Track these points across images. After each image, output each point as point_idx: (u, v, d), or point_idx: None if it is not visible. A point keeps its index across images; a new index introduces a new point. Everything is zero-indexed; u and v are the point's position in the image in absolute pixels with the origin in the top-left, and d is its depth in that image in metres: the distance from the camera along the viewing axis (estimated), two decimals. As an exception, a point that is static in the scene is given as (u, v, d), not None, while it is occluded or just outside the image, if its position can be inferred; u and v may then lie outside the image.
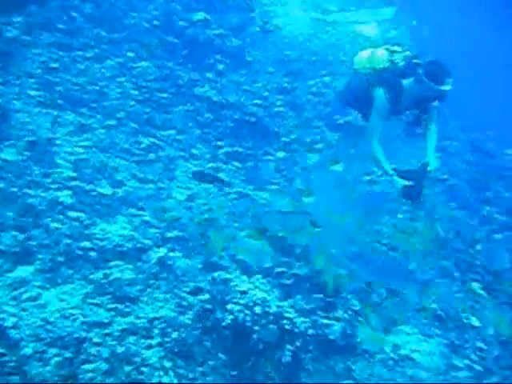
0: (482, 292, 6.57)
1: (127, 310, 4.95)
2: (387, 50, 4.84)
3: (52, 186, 5.92)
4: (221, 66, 8.96)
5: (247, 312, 4.62)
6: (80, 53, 7.72)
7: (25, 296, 4.68)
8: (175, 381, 4.42)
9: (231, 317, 4.66)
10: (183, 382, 4.44)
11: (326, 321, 5.30)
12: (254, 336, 4.55)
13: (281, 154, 8.24)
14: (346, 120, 9.16)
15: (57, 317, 4.60)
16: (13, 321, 4.32)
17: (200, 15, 9.22)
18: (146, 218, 6.25)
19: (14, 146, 6.08)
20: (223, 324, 4.62)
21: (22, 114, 6.50)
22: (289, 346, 4.61)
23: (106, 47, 8.10)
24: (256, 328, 4.56)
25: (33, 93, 6.83)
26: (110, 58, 7.99)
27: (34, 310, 4.56)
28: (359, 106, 5.27)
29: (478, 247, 7.37)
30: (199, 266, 5.77)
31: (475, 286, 6.62)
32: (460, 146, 9.97)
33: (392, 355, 5.66)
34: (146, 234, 5.98)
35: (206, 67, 8.83)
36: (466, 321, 6.17)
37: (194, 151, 7.61)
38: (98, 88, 7.46)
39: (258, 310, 4.66)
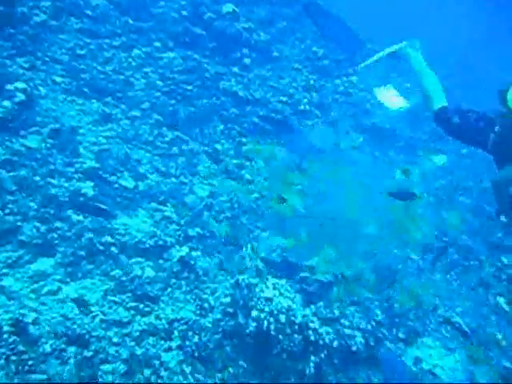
0: (507, 307, 6.39)
1: (147, 309, 4.84)
2: None
3: (75, 176, 5.80)
4: (247, 61, 8.79)
5: (272, 320, 4.48)
6: (107, 40, 7.58)
7: (45, 290, 4.57)
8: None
9: (254, 323, 4.52)
10: (202, 387, 4.32)
11: (348, 331, 5.14)
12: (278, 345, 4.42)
13: (305, 154, 8.08)
14: (372, 122, 9.01)
15: (76, 313, 4.49)
16: (33, 316, 4.21)
17: (228, 7, 9.02)
18: (167, 214, 6.13)
19: (38, 133, 5.96)
20: (247, 331, 4.48)
21: (47, 100, 6.38)
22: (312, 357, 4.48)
23: (133, 36, 7.95)
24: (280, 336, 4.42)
25: (59, 79, 6.71)
26: (137, 47, 7.85)
27: (53, 305, 4.45)
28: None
29: (505, 260, 7.16)
30: (220, 266, 5.66)
31: (501, 300, 6.44)
32: None
33: (414, 369, 5.50)
34: (168, 230, 5.86)
35: (232, 61, 8.66)
36: (490, 337, 5.99)
37: (218, 146, 7.46)
38: (123, 77, 7.33)
39: (282, 318, 4.51)
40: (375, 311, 5.70)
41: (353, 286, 5.76)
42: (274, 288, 4.78)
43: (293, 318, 4.50)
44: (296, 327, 4.48)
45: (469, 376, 5.63)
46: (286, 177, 7.26)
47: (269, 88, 8.62)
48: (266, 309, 4.52)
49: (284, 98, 8.56)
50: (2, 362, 3.75)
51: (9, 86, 6.01)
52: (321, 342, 4.52)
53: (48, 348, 4.06)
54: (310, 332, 4.50)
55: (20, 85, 6.07)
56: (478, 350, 5.82)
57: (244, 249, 5.97)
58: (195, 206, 6.44)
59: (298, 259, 5.93)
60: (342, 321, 5.19)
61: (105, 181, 6.00)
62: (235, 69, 8.58)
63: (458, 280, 6.74)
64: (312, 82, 9.20)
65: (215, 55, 8.61)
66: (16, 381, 3.71)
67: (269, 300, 4.61)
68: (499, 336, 5.94)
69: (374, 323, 5.53)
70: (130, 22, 8.12)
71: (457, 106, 4.03)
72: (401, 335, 5.84)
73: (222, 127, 7.78)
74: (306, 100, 8.74)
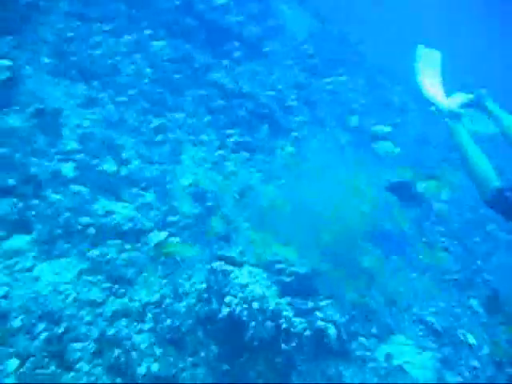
0: (479, 310, 6.47)
1: (121, 291, 4.82)
2: None
3: (56, 157, 5.77)
4: (238, 54, 8.79)
5: (245, 306, 4.49)
6: (98, 24, 7.54)
7: (19, 266, 4.54)
8: (164, 368, 4.30)
9: (227, 309, 4.53)
10: (172, 370, 4.32)
11: (322, 323, 5.17)
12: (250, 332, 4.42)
13: (289, 149, 8.10)
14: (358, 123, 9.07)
15: (49, 290, 4.47)
16: (4, 290, 4.19)
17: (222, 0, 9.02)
18: (149, 200, 6.12)
19: (22, 112, 5.92)
20: (219, 316, 4.49)
21: (32, 80, 6.34)
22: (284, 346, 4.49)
23: (125, 22, 7.93)
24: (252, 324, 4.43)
25: (46, 60, 6.67)
26: (128, 33, 7.82)
27: (26, 281, 4.43)
28: None
29: (479, 263, 7.25)
30: (198, 253, 5.66)
31: (473, 302, 6.52)
32: None
33: (384, 364, 5.54)
34: (148, 215, 5.85)
35: (222, 53, 8.66)
36: (462, 337, 6.06)
37: (203, 137, 7.46)
38: (112, 62, 7.30)
39: (255, 305, 4.52)
40: (350, 306, 5.75)
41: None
42: (250, 275, 4.79)
43: (266, 305, 4.52)
44: (269, 314, 4.50)
45: (438, 375, 5.69)
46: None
47: (257, 82, 8.64)
48: (240, 295, 4.54)
49: (272, 93, 8.59)
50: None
51: (-6, 63, 5.98)
52: (292, 330, 4.54)
53: (18, 322, 4.04)
54: (283, 320, 4.52)
55: (6, 62, 6.03)
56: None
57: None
58: (177, 193, 6.43)
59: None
60: (317, 312, 5.22)
61: (87, 163, 5.97)
62: (225, 61, 8.58)
63: (433, 280, 6.81)
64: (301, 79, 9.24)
65: (206, 46, 8.62)
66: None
67: (243, 286, 4.62)
68: (470, 336, 6.02)
69: (348, 317, 5.58)
70: (123, 8, 8.10)
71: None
72: (374, 331, 5.88)
73: (208, 118, 7.78)
74: (293, 96, 8.78)
